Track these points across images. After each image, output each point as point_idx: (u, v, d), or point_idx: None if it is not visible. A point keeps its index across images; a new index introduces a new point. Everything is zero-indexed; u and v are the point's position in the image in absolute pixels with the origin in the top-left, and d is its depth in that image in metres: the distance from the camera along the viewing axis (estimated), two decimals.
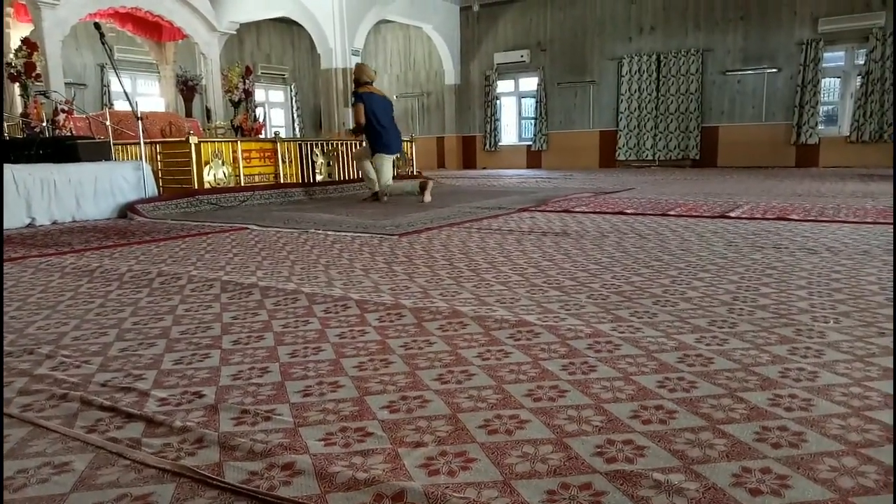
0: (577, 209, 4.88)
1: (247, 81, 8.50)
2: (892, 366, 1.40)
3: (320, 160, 7.02)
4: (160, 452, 1.09)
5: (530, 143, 14.31)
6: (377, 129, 6.04)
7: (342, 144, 7.45)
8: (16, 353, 1.67)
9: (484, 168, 14.60)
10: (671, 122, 12.17)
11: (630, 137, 12.64)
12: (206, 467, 1.03)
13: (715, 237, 3.37)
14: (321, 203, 6.19)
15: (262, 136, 8.43)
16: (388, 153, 6.17)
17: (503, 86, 14.75)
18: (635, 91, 12.43)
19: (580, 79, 13.23)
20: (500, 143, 14.87)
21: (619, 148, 12.80)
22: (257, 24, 14.56)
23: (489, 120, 14.70)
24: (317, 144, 7.10)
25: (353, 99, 6.04)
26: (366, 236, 3.73)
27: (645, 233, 3.59)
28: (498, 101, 14.73)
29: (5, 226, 4.48)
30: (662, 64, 12.07)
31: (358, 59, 12.72)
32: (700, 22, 11.79)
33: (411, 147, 8.62)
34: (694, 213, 4.43)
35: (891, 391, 1.26)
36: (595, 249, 3.07)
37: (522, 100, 14.74)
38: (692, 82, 11.79)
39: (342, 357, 1.57)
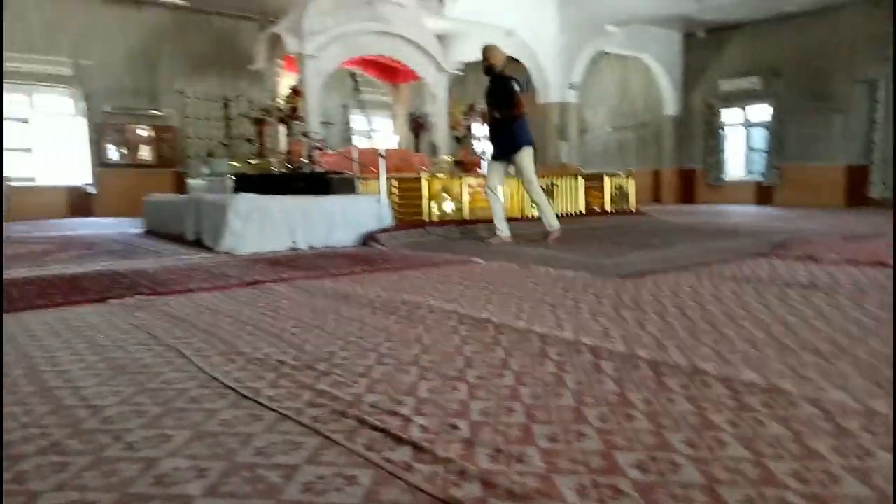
0: (825, 257, 4.39)
1: (470, 118, 9.02)
2: None
3: None
4: (431, 480, 1.21)
5: (760, 177, 13.17)
6: (524, 120, 5.41)
7: (561, 179, 7.54)
8: (299, 367, 1.96)
9: (704, 203, 13.73)
10: None
11: (887, 172, 11.03)
12: (472, 501, 1.12)
13: None
14: (537, 238, 6.30)
15: (481, 169, 8.85)
16: (532, 145, 5.56)
17: (729, 115, 13.82)
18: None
19: (822, 105, 11.90)
20: (724, 177, 13.90)
21: (872, 184, 11.24)
22: (480, 63, 15.34)
23: (712, 152, 13.84)
24: None
25: (512, 85, 5.36)
26: (587, 276, 3.73)
27: None
28: (722, 132, 13.82)
29: (275, 248, 5.26)
30: None
31: (574, 93, 12.83)
32: None
33: (629, 182, 8.42)
34: None
35: None
36: (854, 308, 2.74)
37: (751, 130, 13.66)
38: None
39: (582, 405, 1.60)
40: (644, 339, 2.26)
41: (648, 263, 4.21)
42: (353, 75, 6.02)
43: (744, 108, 13.56)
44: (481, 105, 6.84)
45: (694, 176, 14.44)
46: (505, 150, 5.51)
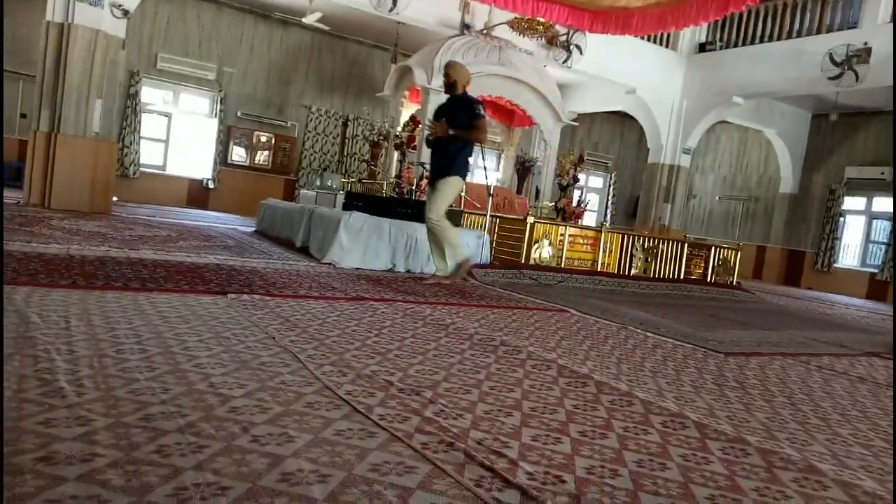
0: None
1: (577, 168, 9.02)
2: None
3: (639, 254, 7.06)
4: None
5: (876, 270, 12.35)
6: (470, 148, 5.02)
7: (663, 242, 7.39)
8: (406, 390, 2.03)
9: (809, 289, 12.99)
10: None
11: None
12: None
13: None
14: (632, 297, 6.19)
15: (582, 220, 8.81)
16: (465, 178, 5.15)
17: (852, 202, 13.12)
18: None
19: None
20: (835, 265, 13.13)
21: None
22: (592, 115, 15.39)
23: (826, 237, 13.14)
24: (638, 238, 7.17)
25: (479, 108, 4.92)
26: (688, 347, 3.63)
27: None
28: (842, 219, 13.10)
29: (374, 266, 5.45)
30: None
31: (688, 157, 12.59)
32: None
33: (736, 255, 8.12)
34: None
35: None
36: None
37: (875, 221, 12.86)
38: None
39: (691, 482, 1.57)
40: (751, 423, 2.18)
41: (753, 344, 4.04)
42: None
43: (869, 198, 12.83)
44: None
45: (802, 258, 13.73)
46: (436, 172, 5.11)
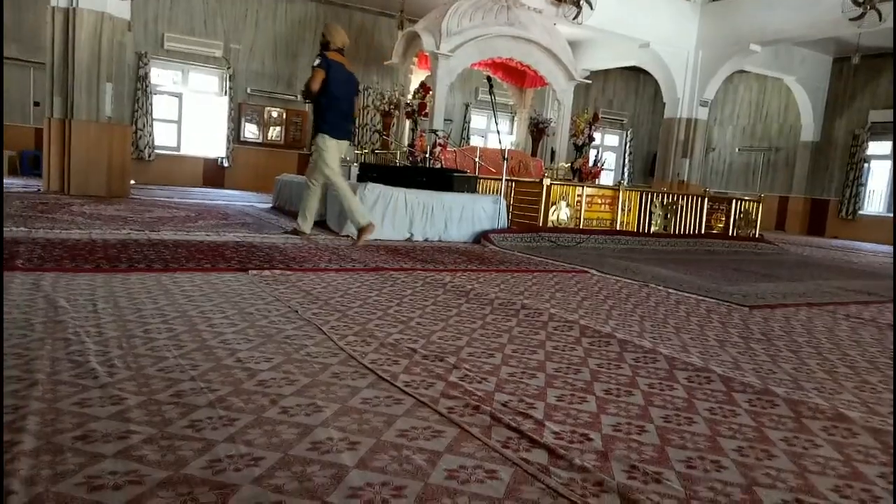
0: None
1: (593, 127, 8.88)
2: None
3: (658, 211, 6.98)
4: (568, 485, 1.24)
5: None
6: (327, 103, 4.87)
7: (682, 198, 7.29)
8: (430, 357, 2.04)
9: (834, 237, 12.79)
10: None
11: None
12: None
13: None
14: (652, 255, 6.14)
15: (599, 180, 8.70)
16: (335, 136, 4.95)
17: (876, 147, 12.80)
18: None
19: None
20: (860, 212, 12.89)
21: None
22: (605, 72, 15.09)
23: (851, 184, 12.88)
24: (657, 195, 7.08)
25: (317, 60, 4.90)
26: (711, 302, 3.60)
27: None
28: (867, 165, 12.81)
29: (393, 237, 5.45)
30: None
31: (706, 110, 12.34)
32: None
33: (758, 207, 7.99)
34: None
35: None
36: None
37: None
38: None
39: (718, 435, 1.57)
40: (778, 374, 2.17)
41: (778, 296, 4.00)
42: (488, 78, 6.10)
43: (894, 142, 12.49)
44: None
45: (826, 207, 13.49)
46: (316, 131, 5.04)
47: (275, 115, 12.49)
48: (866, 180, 12.90)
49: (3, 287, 2.53)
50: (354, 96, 5.15)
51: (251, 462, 1.23)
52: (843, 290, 4.54)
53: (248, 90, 12.18)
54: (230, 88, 11.96)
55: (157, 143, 11.68)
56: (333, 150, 4.95)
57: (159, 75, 11.66)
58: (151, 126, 11.47)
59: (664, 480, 1.29)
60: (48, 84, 7.56)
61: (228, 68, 11.88)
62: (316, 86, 4.81)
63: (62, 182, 7.58)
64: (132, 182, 8.81)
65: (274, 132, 12.60)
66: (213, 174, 12.29)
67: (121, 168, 7.90)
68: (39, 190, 7.63)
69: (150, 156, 11.50)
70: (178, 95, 11.96)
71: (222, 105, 12.06)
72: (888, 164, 12.72)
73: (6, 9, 10.29)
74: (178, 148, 12.14)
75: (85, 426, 1.33)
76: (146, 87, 11.25)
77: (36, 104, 10.56)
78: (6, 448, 1.20)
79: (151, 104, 11.41)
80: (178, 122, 12.06)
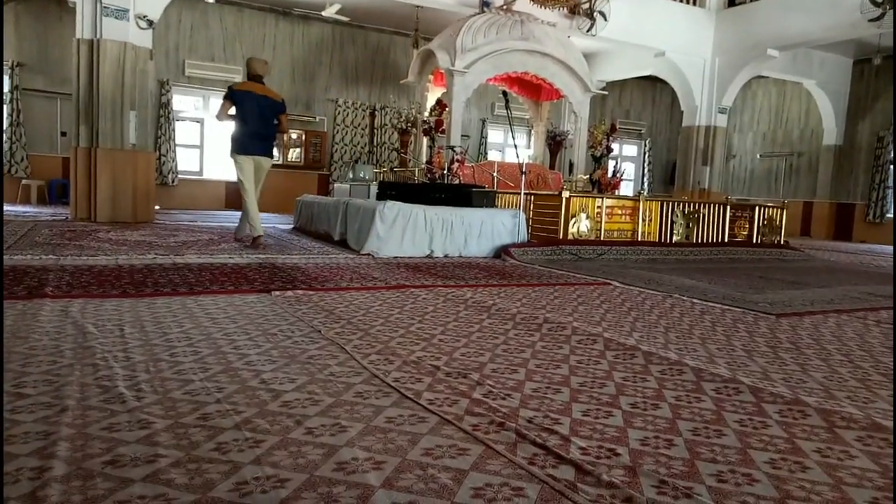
0: None
1: (610, 138, 8.85)
2: None
3: (680, 221, 6.91)
4: (596, 502, 1.22)
5: None
6: (238, 126, 5.69)
7: (704, 206, 7.22)
8: (453, 374, 2.04)
9: (862, 242, 12.54)
10: None
11: None
12: None
13: None
14: (675, 265, 6.08)
15: (619, 190, 8.65)
16: (243, 153, 5.72)
17: None
18: None
19: None
20: (888, 215, 12.64)
21: None
22: (621, 82, 15.06)
23: (877, 187, 12.66)
24: (678, 204, 7.02)
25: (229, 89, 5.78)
26: (737, 311, 3.55)
27: None
28: (893, 167, 12.57)
29: (413, 254, 5.47)
30: None
31: (724, 117, 12.25)
32: None
33: (782, 213, 7.87)
34: None
35: None
36: None
37: None
38: None
39: (749, 448, 1.54)
40: (808, 383, 2.13)
41: (806, 304, 3.92)
42: (504, 93, 6.15)
43: (895, 142, 12.28)
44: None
45: (852, 211, 13.26)
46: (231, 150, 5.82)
47: (294, 136, 12.65)
48: (893, 183, 12.66)
49: (3, 298, 2.58)
50: (272, 117, 5.81)
51: (277, 484, 1.23)
52: (873, 296, 4.44)
53: None
54: None
55: (180, 168, 11.89)
56: (245, 165, 5.72)
57: (181, 102, 11.89)
58: (174, 152, 11.68)
59: (694, 495, 1.27)
60: (74, 114, 7.76)
61: None
62: (220, 115, 5.72)
63: (89, 209, 7.74)
64: (157, 207, 8.97)
65: (294, 154, 12.74)
66: (236, 197, 12.45)
67: (145, 194, 8.05)
68: (67, 218, 7.80)
69: (173, 181, 11.70)
70: (200, 121, 12.18)
71: None
72: None
73: (32, 42, 10.61)
74: (200, 172, 12.33)
75: (114, 451, 1.35)
76: (168, 113, 11.48)
77: (63, 134, 10.83)
78: (37, 475, 1.22)
79: (174, 130, 11.63)
80: (201, 147, 12.27)
